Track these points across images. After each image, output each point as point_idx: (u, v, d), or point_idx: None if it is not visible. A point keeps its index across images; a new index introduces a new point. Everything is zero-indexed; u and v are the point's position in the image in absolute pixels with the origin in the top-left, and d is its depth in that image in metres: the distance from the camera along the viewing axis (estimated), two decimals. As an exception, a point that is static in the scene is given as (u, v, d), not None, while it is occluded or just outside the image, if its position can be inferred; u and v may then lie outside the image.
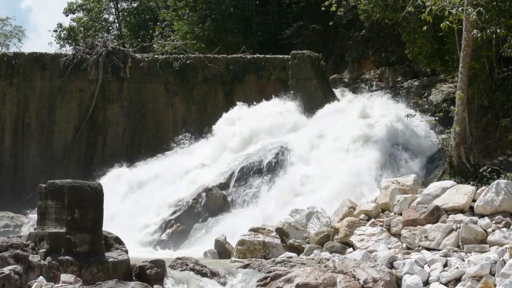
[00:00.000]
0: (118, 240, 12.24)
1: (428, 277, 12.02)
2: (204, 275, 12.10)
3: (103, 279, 11.16)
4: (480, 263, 11.71)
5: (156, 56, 27.59)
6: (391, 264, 12.42)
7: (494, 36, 16.45)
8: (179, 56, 27.46)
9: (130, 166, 23.70)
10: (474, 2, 16.04)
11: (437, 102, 23.24)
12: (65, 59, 26.80)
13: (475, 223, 13.42)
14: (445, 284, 11.79)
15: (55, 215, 11.43)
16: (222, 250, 16.03)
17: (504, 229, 13.10)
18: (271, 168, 20.76)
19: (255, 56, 26.89)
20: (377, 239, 14.13)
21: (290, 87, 25.20)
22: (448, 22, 15.83)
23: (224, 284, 12.02)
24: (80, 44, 30.57)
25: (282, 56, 26.42)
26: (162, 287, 11.48)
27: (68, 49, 33.90)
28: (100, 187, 11.78)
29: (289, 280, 11.55)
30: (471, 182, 15.64)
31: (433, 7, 15.99)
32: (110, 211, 17.44)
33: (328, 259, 13.03)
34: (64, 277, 10.79)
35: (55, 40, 40.71)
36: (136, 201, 21.27)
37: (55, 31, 40.66)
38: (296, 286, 11.38)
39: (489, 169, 16.23)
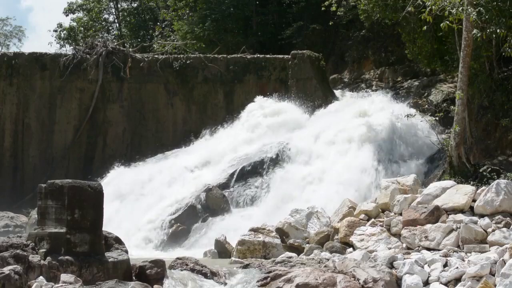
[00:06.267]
0: (118, 240, 12.22)
1: (428, 277, 12.01)
2: (204, 275, 12.08)
3: (103, 279, 11.14)
4: (480, 263, 11.69)
5: (156, 56, 27.57)
6: (391, 264, 12.41)
7: (494, 36, 16.44)
8: (179, 56, 27.45)
9: (130, 166, 23.70)
10: (474, 2, 16.04)
11: (437, 102, 23.23)
12: (65, 59, 26.78)
13: (475, 223, 13.40)
14: (445, 284, 11.77)
15: (55, 215, 11.41)
16: (222, 250, 16.01)
17: (504, 229, 13.08)
18: (271, 167, 20.77)
19: (255, 56, 26.88)
20: (377, 239, 14.11)
21: (290, 87, 25.20)
22: (448, 22, 15.82)
23: (224, 284, 12.00)
24: (80, 44, 30.56)
25: (282, 56, 26.41)
26: (162, 287, 11.47)
27: (68, 49, 33.97)
28: (100, 187, 11.76)
29: (289, 280, 11.53)
30: (471, 182, 15.63)
31: (433, 7, 15.99)
32: (111, 211, 17.45)
33: (328, 259, 13.02)
34: (64, 277, 10.78)
35: (55, 40, 40.82)
36: (136, 201, 21.27)
37: (55, 31, 40.73)
38: (296, 286, 11.36)
39: (489, 169, 16.23)
